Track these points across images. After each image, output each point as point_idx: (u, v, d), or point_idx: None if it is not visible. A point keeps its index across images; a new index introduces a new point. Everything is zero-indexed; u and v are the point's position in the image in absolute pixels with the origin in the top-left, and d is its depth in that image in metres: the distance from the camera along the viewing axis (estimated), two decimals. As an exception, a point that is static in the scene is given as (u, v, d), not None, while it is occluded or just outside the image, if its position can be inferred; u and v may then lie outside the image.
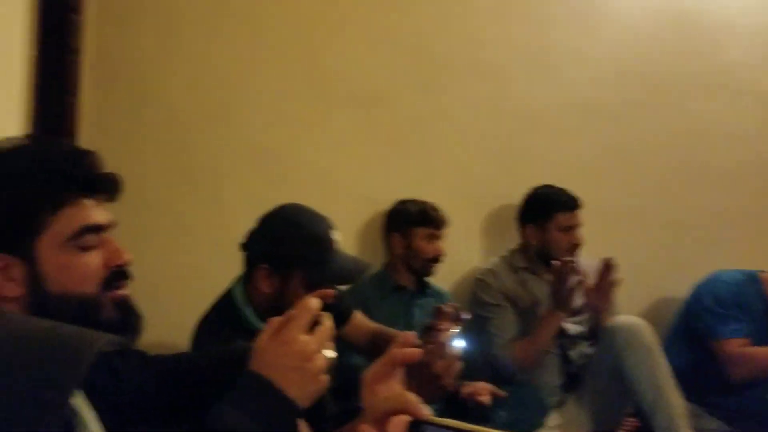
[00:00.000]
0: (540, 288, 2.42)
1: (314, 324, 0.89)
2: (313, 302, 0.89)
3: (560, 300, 2.23)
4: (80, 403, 0.94)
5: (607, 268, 2.32)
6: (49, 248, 0.87)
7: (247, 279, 1.56)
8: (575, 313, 2.37)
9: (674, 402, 2.00)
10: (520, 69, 2.84)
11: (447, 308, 1.69)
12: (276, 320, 0.89)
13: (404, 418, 0.58)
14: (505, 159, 2.80)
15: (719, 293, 2.43)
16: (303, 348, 0.86)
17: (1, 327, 0.43)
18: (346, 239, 2.44)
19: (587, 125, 2.91)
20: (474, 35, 2.78)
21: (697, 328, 2.39)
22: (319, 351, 0.87)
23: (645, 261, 2.83)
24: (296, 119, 2.58)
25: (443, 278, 2.60)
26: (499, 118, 2.81)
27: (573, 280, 2.24)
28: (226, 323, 1.44)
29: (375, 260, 2.51)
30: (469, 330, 2.30)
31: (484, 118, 2.79)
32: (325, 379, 0.88)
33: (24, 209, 0.87)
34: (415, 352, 0.80)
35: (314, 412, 1.56)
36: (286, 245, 1.50)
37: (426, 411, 0.58)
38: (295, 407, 0.85)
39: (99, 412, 0.98)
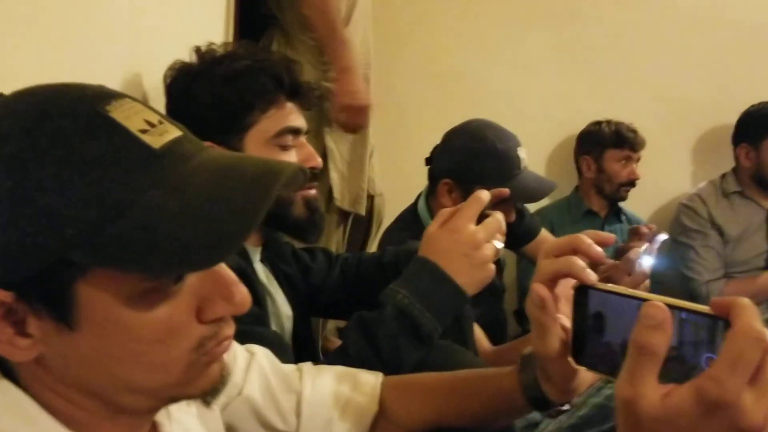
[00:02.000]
0: (755, 214, 2.20)
1: (484, 217, 0.90)
2: (483, 194, 0.90)
3: None
4: (272, 282, 1.05)
5: None
6: (254, 143, 0.97)
7: (430, 193, 1.60)
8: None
9: None
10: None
11: (643, 228, 1.62)
12: (446, 211, 0.92)
13: (571, 281, 0.57)
14: (719, 77, 2.54)
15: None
16: (471, 236, 0.88)
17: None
18: (537, 162, 2.42)
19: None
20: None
21: None
22: (487, 240, 0.88)
23: None
24: (487, 39, 2.53)
25: (644, 205, 2.47)
26: (712, 31, 2.53)
27: None
28: (409, 234, 1.49)
29: (567, 185, 2.44)
30: (669, 254, 2.21)
31: (694, 31, 2.53)
32: (492, 268, 0.90)
33: (240, 104, 0.97)
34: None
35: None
36: (470, 160, 1.51)
37: (593, 276, 0.57)
38: (460, 291, 0.88)
39: (292, 301, 1.09)
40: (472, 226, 0.88)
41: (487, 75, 2.51)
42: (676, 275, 2.18)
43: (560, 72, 2.55)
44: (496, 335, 1.51)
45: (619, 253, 1.54)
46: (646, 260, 1.56)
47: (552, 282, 0.60)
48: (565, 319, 0.60)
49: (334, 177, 1.78)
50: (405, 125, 2.51)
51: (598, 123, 2.37)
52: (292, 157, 0.98)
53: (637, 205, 2.41)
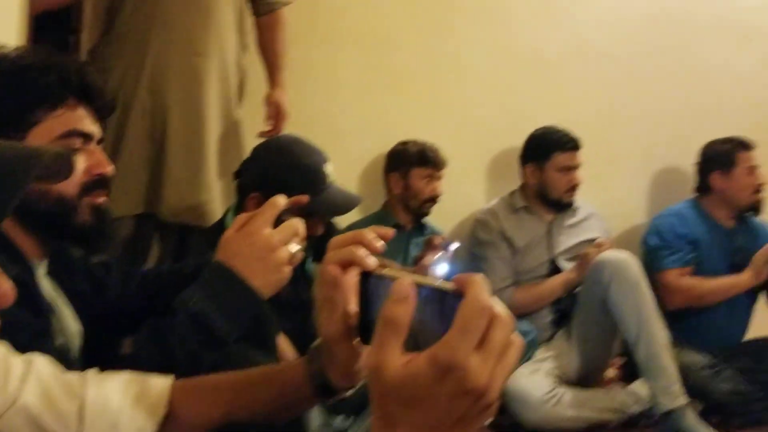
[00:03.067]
0: (538, 227, 2.46)
1: (281, 222, 0.93)
2: (279, 199, 0.93)
3: (582, 269, 2.29)
4: (59, 297, 1.01)
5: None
6: (38, 141, 0.94)
7: (238, 208, 1.62)
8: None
9: (657, 334, 2.05)
10: (528, 12, 2.83)
11: (435, 239, 1.77)
12: (242, 216, 0.94)
13: (356, 269, 0.62)
14: (511, 102, 2.81)
15: (660, 226, 2.54)
16: (266, 240, 0.91)
17: None
18: (349, 179, 2.52)
19: (594, 69, 2.91)
20: (481, -25, 2.76)
21: (645, 263, 2.43)
22: (282, 244, 0.92)
23: (647, 203, 2.85)
24: (300, 59, 2.59)
25: (446, 219, 2.65)
26: (506, 61, 2.81)
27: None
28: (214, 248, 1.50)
29: (377, 201, 2.57)
30: (465, 264, 2.40)
31: (491, 60, 2.79)
32: (288, 270, 0.93)
33: (22, 100, 0.94)
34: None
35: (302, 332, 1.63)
36: (277, 173, 1.55)
37: (374, 262, 0.61)
38: (254, 293, 0.91)
39: (82, 317, 1.05)
40: (268, 230, 0.91)
41: (300, 93, 2.56)
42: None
43: (371, 93, 2.67)
44: (304, 349, 1.56)
45: (416, 261, 1.67)
46: (441, 267, 1.68)
47: (340, 267, 0.63)
48: (353, 304, 0.64)
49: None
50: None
51: (405, 143, 2.52)
52: (79, 161, 0.96)
53: (440, 219, 2.58)
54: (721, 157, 2.55)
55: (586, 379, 2.24)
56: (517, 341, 0.51)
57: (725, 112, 3.00)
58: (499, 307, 0.50)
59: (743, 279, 2.41)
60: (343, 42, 2.64)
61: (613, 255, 2.17)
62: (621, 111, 2.93)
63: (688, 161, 2.71)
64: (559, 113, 2.69)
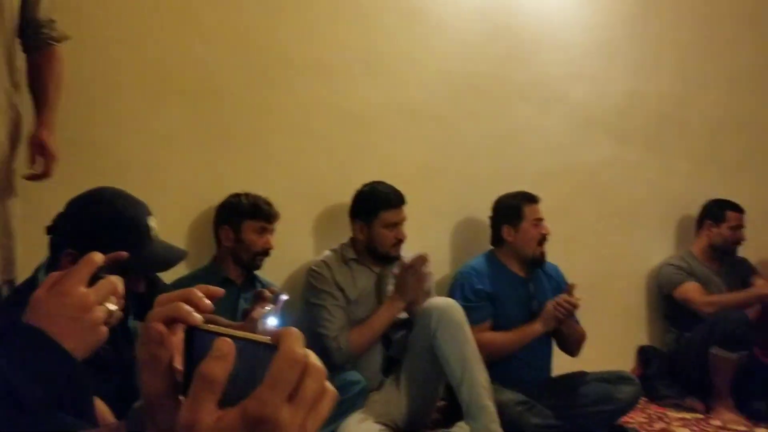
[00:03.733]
0: (368, 279, 2.54)
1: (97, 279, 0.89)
2: (96, 256, 0.89)
3: (405, 292, 2.38)
4: None
5: (421, 262, 2.49)
6: None
7: (51, 265, 1.52)
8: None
9: (479, 376, 2.19)
10: (353, 69, 2.96)
11: (265, 292, 1.76)
12: (55, 274, 0.89)
13: (181, 326, 0.61)
14: (339, 157, 2.91)
15: (459, 283, 2.73)
16: (81, 299, 0.87)
17: None
18: (176, 232, 2.45)
19: (416, 126, 3.10)
20: (307, 33, 2.86)
21: None
22: (98, 303, 0.88)
23: (466, 255, 3.05)
24: (121, 109, 2.51)
25: (276, 272, 2.65)
26: (331, 116, 2.91)
27: (421, 275, 2.40)
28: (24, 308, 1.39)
29: (206, 255, 2.52)
30: (300, 315, 2.42)
31: (317, 115, 2.88)
32: (104, 330, 0.89)
33: None
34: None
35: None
36: (94, 228, 1.48)
37: (198, 318, 0.61)
38: (66, 355, 0.86)
39: None
40: (82, 288, 0.87)
41: (121, 145, 2.48)
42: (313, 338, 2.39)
43: (199, 145, 2.64)
44: (127, 410, 1.48)
45: (245, 315, 1.65)
46: (271, 320, 1.70)
47: (164, 324, 0.62)
48: (177, 361, 0.62)
49: None
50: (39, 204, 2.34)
51: (237, 195, 2.51)
52: None
53: (272, 272, 2.59)
54: (509, 211, 2.79)
55: (414, 423, 2.32)
56: (330, 391, 0.52)
57: (533, 168, 3.33)
58: (313, 358, 0.51)
59: (535, 328, 2.62)
60: (170, 94, 2.60)
61: (440, 301, 2.30)
62: (440, 167, 3.14)
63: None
64: (384, 169, 2.83)
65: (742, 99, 3.98)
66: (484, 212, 2.96)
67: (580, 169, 3.49)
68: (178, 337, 0.62)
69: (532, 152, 3.37)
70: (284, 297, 1.87)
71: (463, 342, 2.21)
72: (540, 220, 2.77)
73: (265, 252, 2.46)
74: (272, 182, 2.70)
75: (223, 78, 2.69)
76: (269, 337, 0.54)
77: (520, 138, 3.35)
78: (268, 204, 2.49)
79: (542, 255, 2.77)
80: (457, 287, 2.73)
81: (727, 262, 3.46)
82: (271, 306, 1.80)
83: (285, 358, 0.50)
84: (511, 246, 2.77)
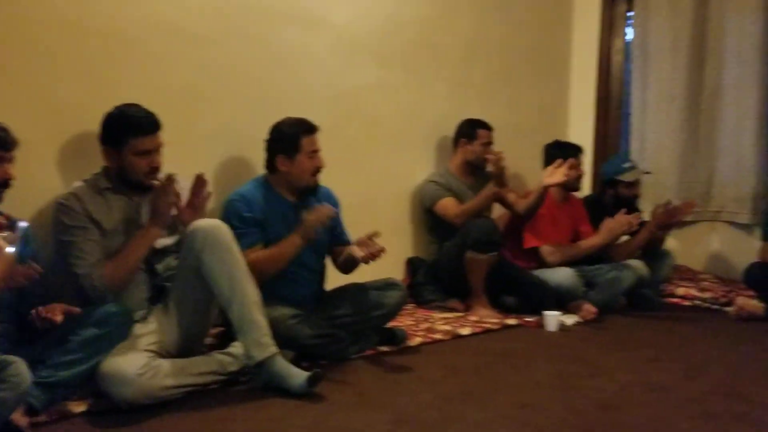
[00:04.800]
0: (126, 208, 2.40)
1: None
2: None
3: (159, 216, 2.28)
4: None
5: (200, 183, 2.42)
6: None
7: None
8: (169, 228, 2.42)
9: (248, 292, 2.20)
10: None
11: (-1, 219, 1.60)
12: None
13: None
14: (88, 79, 2.68)
15: (227, 211, 2.69)
16: None
17: None
18: None
19: (179, 46, 2.94)
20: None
21: None
22: None
23: (237, 179, 3.01)
24: None
25: (23, 207, 2.40)
26: (84, 38, 2.66)
27: (171, 196, 2.29)
28: None
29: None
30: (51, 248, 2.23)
31: (66, 36, 2.61)
32: None
33: None
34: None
35: None
36: None
37: None
38: None
39: None
40: None
41: None
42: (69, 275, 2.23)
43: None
44: None
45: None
46: (9, 248, 1.57)
47: None
48: None
49: None
50: None
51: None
52: None
53: (15, 208, 2.34)
54: (286, 141, 2.74)
55: (187, 349, 2.29)
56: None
57: (301, 93, 3.34)
58: None
59: (294, 240, 2.60)
60: None
61: (204, 222, 2.25)
62: (206, 89, 3.03)
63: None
64: (143, 91, 2.66)
65: (492, 25, 4.31)
66: (253, 137, 2.92)
67: (347, 93, 3.58)
68: None
69: (300, 75, 3.38)
70: (23, 224, 1.72)
71: (230, 261, 2.19)
72: (316, 151, 2.76)
73: (5, 183, 2.21)
74: (8, 106, 2.42)
75: None
76: None
77: (288, 61, 3.34)
78: (4, 130, 2.22)
79: (315, 184, 2.79)
80: (225, 214, 2.68)
81: (479, 176, 3.80)
82: (8, 234, 1.65)
83: None
84: (285, 175, 2.75)
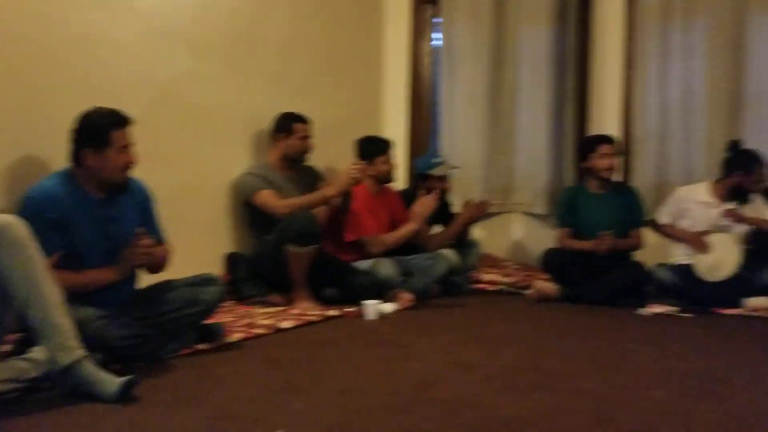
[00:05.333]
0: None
1: None
2: None
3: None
4: None
5: None
6: None
7: None
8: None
9: (48, 294, 2.02)
10: None
11: None
12: None
13: None
14: None
15: (24, 212, 2.34)
16: None
17: None
18: None
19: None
20: None
21: None
22: None
23: (36, 172, 2.76)
24: None
25: None
26: None
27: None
28: None
29: None
30: None
31: None
32: None
33: None
34: None
35: None
36: None
37: None
38: None
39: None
40: None
41: None
42: None
43: None
44: None
45: None
46: None
47: None
48: None
49: None
50: None
51: None
52: None
53: None
54: (94, 134, 2.50)
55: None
56: None
57: (107, 80, 3.13)
58: None
59: (108, 275, 2.50)
60: None
61: (-3, 218, 2.03)
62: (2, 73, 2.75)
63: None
64: None
65: (308, 21, 4.35)
66: (53, 126, 2.68)
67: (157, 82, 3.42)
68: None
69: (106, 62, 3.16)
70: None
71: (26, 260, 2.00)
72: (128, 146, 2.55)
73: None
74: None
75: None
76: None
77: (91, 46, 3.11)
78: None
79: (125, 180, 2.59)
80: (23, 214, 2.36)
81: (298, 170, 3.82)
82: None
83: None
84: (92, 170, 2.51)
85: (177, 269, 2.75)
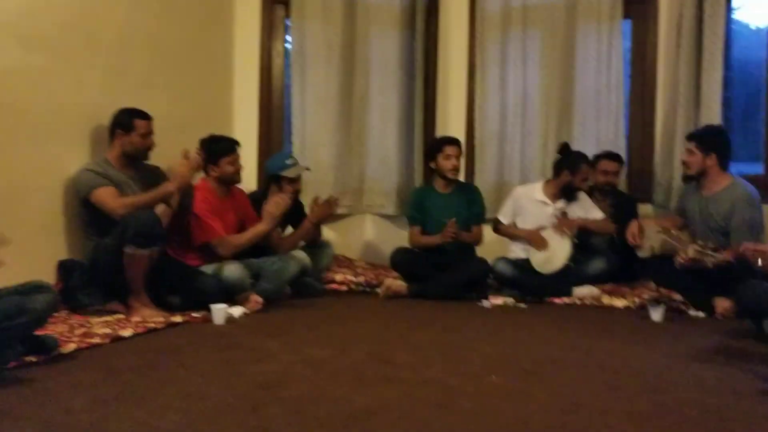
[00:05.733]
0: None
1: None
2: None
3: None
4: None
5: None
6: None
7: None
8: None
9: None
10: None
11: None
12: None
13: None
14: None
15: None
16: None
17: None
18: None
19: None
20: None
21: None
22: None
23: None
24: None
25: None
26: None
27: None
28: None
29: None
30: None
31: None
32: None
33: None
34: None
35: None
36: None
37: None
38: None
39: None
40: None
41: None
42: None
43: None
44: None
45: None
46: None
47: None
48: None
49: None
50: None
51: None
52: None
53: None
54: None
55: None
56: None
57: None
58: None
59: None
60: None
61: None
62: None
63: None
64: None
65: (148, 16, 4.15)
66: None
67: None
68: None
69: None
70: None
71: None
72: None
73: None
74: None
75: None
76: None
77: None
78: None
79: None
80: None
81: (140, 168, 3.63)
82: None
83: None
84: None
85: (3, 277, 2.51)
